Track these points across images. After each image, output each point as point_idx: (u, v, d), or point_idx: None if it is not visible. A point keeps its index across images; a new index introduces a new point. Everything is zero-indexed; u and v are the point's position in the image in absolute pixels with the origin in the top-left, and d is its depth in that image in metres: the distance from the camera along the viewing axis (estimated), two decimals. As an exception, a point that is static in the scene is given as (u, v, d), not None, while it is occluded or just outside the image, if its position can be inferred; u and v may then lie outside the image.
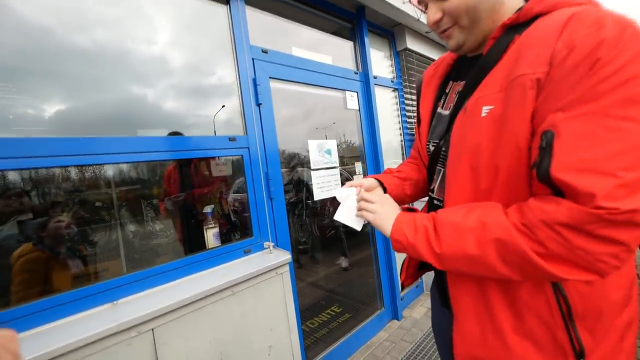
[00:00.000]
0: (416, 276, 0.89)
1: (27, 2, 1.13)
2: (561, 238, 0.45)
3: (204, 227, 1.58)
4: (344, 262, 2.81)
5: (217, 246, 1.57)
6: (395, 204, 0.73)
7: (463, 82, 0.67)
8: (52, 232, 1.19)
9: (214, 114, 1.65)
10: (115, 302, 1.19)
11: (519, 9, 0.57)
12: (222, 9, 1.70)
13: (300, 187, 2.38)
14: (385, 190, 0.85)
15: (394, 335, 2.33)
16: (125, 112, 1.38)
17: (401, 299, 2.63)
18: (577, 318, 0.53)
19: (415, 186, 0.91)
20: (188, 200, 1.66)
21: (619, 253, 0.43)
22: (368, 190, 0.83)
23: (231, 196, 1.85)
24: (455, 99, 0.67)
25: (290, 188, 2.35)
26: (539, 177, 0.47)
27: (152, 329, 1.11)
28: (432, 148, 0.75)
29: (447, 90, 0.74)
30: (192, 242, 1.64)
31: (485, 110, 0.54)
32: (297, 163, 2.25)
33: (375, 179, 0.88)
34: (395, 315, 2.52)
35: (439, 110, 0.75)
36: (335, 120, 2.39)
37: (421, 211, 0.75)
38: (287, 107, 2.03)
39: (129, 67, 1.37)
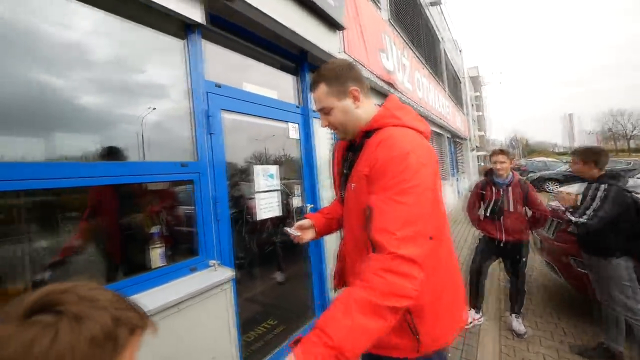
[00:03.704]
0: (345, 282, 1.21)
1: None
2: (374, 278, 0.71)
3: (150, 247, 1.62)
4: (279, 277, 2.98)
5: (163, 265, 1.62)
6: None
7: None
8: None
9: (142, 115, 1.62)
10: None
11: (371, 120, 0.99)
12: (179, 44, 1.82)
13: (240, 204, 2.51)
14: (315, 229, 1.27)
15: (322, 341, 2.57)
16: (39, 105, 1.25)
17: (330, 309, 2.91)
18: (413, 312, 0.88)
19: (339, 222, 1.28)
20: (127, 219, 1.65)
21: (410, 281, 0.71)
22: (302, 227, 1.25)
23: (176, 210, 1.88)
24: (347, 168, 1.07)
25: (231, 205, 2.46)
26: (368, 236, 0.80)
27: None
28: (343, 197, 1.11)
29: (348, 158, 1.09)
30: (130, 262, 1.64)
31: (353, 186, 0.97)
32: (238, 180, 2.39)
33: (310, 219, 1.27)
34: (324, 324, 2.78)
35: (344, 171, 1.10)
36: (279, 147, 2.63)
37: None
38: (236, 135, 2.20)
39: (44, 54, 1.27)
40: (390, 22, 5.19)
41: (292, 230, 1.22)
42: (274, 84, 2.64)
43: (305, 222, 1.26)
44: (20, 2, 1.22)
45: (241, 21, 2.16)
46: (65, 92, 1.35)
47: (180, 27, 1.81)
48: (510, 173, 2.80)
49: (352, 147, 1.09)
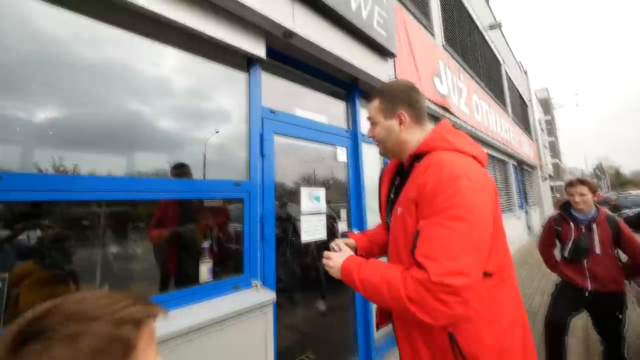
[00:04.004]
0: (388, 319, 1.10)
1: (45, 15, 1.28)
2: (416, 288, 0.73)
3: (200, 261, 1.71)
4: (321, 305, 2.89)
5: (210, 280, 1.69)
6: (349, 252, 1.03)
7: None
8: (50, 243, 1.22)
9: (206, 138, 1.80)
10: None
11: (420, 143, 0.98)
12: (242, 76, 2.01)
13: (287, 225, 2.54)
14: (356, 250, 1.23)
15: (366, 381, 2.35)
16: (121, 125, 1.46)
17: (376, 349, 2.70)
18: (467, 355, 0.79)
19: (381, 248, 1.25)
20: (184, 231, 1.76)
21: (445, 309, 0.70)
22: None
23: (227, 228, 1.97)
24: (394, 193, 1.08)
25: (277, 224, 2.51)
26: (412, 255, 0.78)
27: None
28: (389, 223, 1.08)
29: (396, 183, 1.10)
30: (182, 274, 1.74)
31: (399, 210, 0.93)
32: (287, 201, 2.43)
33: (353, 239, 1.26)
34: (369, 363, 2.59)
35: (392, 196, 1.09)
36: (327, 170, 2.66)
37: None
38: (287, 157, 2.29)
39: (134, 87, 1.54)
40: (444, 47, 5.11)
41: (334, 244, 1.14)
42: (325, 109, 2.74)
43: (349, 241, 1.24)
44: (117, 43, 1.48)
45: (296, 53, 2.32)
46: (146, 117, 1.57)
47: (243, 61, 2.02)
48: (594, 208, 2.36)
49: (401, 171, 1.08)
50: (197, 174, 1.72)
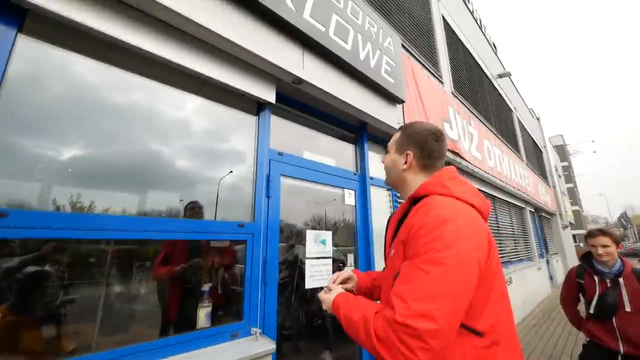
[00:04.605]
0: None
1: (79, 63, 1.43)
2: (383, 326, 0.73)
3: (199, 305, 1.66)
4: (327, 358, 2.69)
5: (207, 327, 1.62)
6: (341, 290, 1.05)
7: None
8: (30, 285, 1.17)
9: (215, 179, 1.89)
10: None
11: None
12: (252, 119, 2.12)
13: (293, 268, 2.47)
14: (354, 289, 1.21)
15: None
16: (140, 164, 1.58)
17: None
18: None
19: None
20: (189, 270, 1.73)
21: (408, 354, 0.68)
22: (343, 280, 1.20)
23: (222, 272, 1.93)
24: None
25: (282, 268, 2.44)
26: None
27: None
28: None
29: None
30: (181, 318, 1.68)
31: (392, 252, 0.95)
32: (294, 243, 2.39)
33: (355, 274, 1.23)
34: None
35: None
36: (334, 213, 2.65)
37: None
38: (293, 199, 2.31)
39: (156, 129, 1.66)
40: (453, 94, 5.30)
41: (329, 281, 1.16)
42: (333, 152, 2.81)
43: (348, 274, 1.22)
44: (139, 89, 1.61)
45: (305, 98, 2.46)
46: (164, 157, 1.67)
47: (254, 105, 2.14)
48: (619, 260, 2.21)
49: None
50: (208, 213, 1.78)
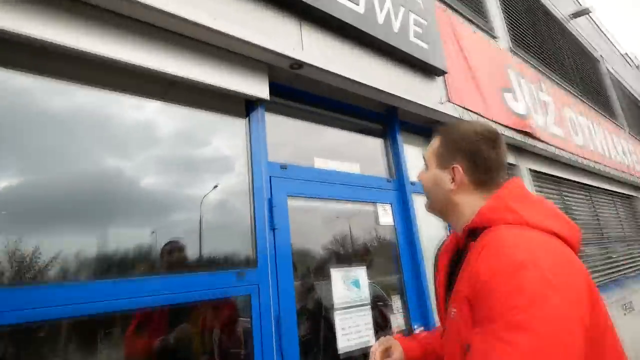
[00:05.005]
0: None
1: None
2: None
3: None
4: None
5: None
6: None
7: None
8: None
9: (203, 194, 1.91)
10: None
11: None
12: (239, 123, 2.13)
13: (317, 319, 2.41)
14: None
15: None
16: (94, 189, 1.60)
17: None
18: None
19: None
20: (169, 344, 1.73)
21: None
22: (385, 353, 1.18)
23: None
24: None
25: (301, 320, 2.39)
26: None
27: None
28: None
29: (453, 268, 1.08)
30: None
31: (452, 312, 0.91)
32: (313, 284, 2.35)
33: (400, 343, 1.22)
34: None
35: (450, 287, 1.09)
36: (365, 238, 2.61)
37: None
38: (307, 226, 2.28)
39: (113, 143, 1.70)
40: (512, 50, 5.21)
41: (374, 349, 1.17)
42: (355, 153, 2.78)
43: (388, 342, 1.21)
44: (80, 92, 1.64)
45: (309, 86, 2.45)
46: (126, 175, 1.70)
47: (240, 105, 2.15)
48: None
49: (459, 252, 1.07)
50: (191, 251, 1.80)
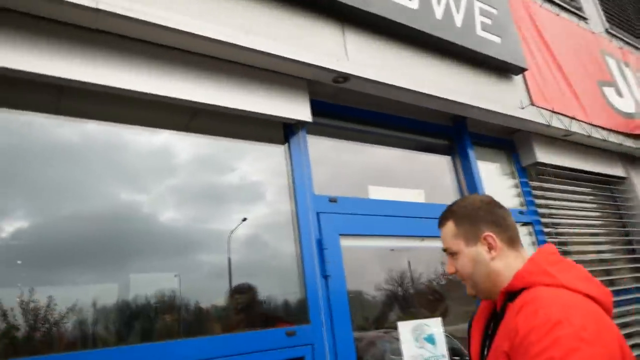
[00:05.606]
0: None
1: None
2: None
3: None
4: None
5: None
6: None
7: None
8: None
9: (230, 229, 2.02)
10: None
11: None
12: (279, 152, 2.24)
13: None
14: None
15: None
16: (110, 230, 1.73)
17: None
18: None
19: None
20: None
21: None
22: None
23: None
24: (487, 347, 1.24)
25: None
26: None
27: None
28: None
29: (489, 332, 1.27)
30: None
31: None
32: (374, 338, 2.37)
33: None
34: None
35: (485, 352, 1.26)
36: (437, 282, 2.61)
37: None
38: (365, 270, 2.33)
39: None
40: (609, 32, 5.09)
41: None
42: (417, 178, 2.83)
43: None
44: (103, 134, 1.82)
45: (355, 101, 2.55)
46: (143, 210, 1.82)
47: (278, 130, 2.27)
48: None
49: (494, 316, 1.26)
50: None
